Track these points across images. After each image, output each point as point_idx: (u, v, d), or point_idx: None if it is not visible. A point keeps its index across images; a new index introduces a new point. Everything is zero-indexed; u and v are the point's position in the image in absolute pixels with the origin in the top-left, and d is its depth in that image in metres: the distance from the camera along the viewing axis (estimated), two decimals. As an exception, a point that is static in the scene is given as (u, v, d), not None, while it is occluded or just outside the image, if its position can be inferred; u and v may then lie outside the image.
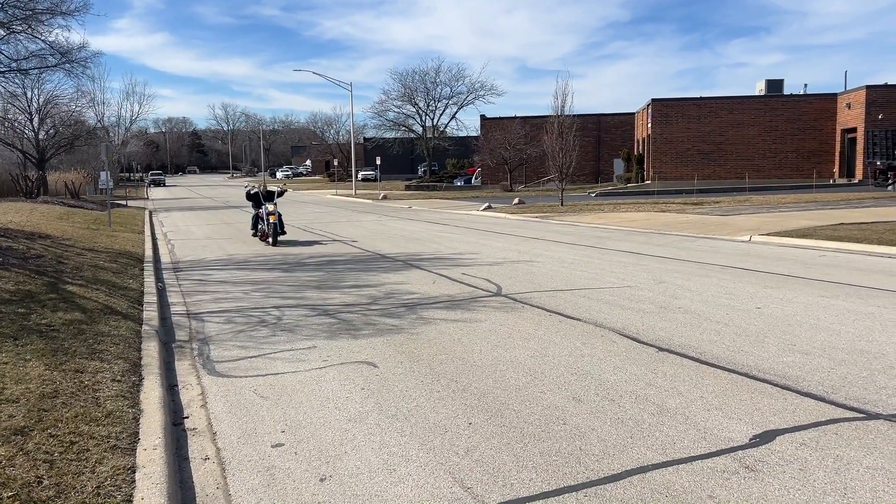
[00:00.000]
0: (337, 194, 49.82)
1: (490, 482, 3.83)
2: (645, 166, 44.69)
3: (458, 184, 54.86)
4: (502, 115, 55.20)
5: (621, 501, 3.57)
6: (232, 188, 71.02)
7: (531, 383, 5.55)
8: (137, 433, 4.39)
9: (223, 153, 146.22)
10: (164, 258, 14.91)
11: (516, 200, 32.77)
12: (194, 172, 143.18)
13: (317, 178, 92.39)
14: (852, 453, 4.07)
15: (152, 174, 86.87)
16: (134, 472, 3.80)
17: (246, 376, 5.93)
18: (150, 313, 8.31)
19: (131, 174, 74.59)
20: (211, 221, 26.24)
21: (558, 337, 7.04)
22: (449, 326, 7.62)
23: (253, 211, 18.22)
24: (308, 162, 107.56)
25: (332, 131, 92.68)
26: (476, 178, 55.24)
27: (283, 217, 17.46)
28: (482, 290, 9.91)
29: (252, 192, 18.23)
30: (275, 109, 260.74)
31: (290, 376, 5.88)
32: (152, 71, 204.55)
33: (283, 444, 4.44)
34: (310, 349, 6.75)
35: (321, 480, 3.91)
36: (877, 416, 4.64)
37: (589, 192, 39.01)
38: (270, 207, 16.91)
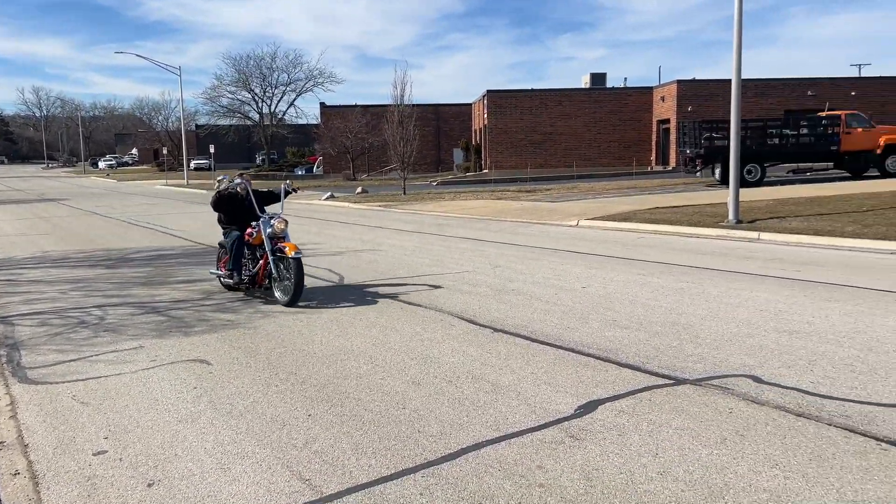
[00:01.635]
0: (167, 184, 47.12)
1: (329, 472, 3.81)
2: (483, 156, 46.10)
3: (300, 173, 53.74)
4: (343, 104, 54.66)
5: (457, 478, 3.68)
6: (47, 179, 65.09)
7: (372, 370, 5.57)
8: (-69, 453, 3.93)
9: (36, 141, 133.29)
10: (-34, 258, 13.41)
11: (359, 189, 32.64)
12: (2, 163, 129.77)
13: (144, 167, 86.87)
14: (663, 417, 4.46)
15: (-50, 165, 77.90)
16: (-74, 497, 3.41)
17: (63, 382, 5.48)
18: (-52, 319, 7.45)
19: (-76, 165, 66.27)
20: (23, 216, 23.89)
21: (399, 323, 7.11)
22: (289, 319, 7.47)
23: (229, 232, 8.88)
24: (134, 151, 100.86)
25: (160, 118, 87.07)
26: (318, 167, 54.38)
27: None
28: (324, 280, 9.79)
29: (228, 193, 8.82)
30: (96, 94, 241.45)
31: (113, 379, 5.51)
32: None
33: (107, 451, 4.16)
34: (136, 349, 6.36)
35: (149, 486, 3.71)
36: (684, 381, 5.11)
37: (430, 182, 39.62)
38: (279, 225, 8.31)
